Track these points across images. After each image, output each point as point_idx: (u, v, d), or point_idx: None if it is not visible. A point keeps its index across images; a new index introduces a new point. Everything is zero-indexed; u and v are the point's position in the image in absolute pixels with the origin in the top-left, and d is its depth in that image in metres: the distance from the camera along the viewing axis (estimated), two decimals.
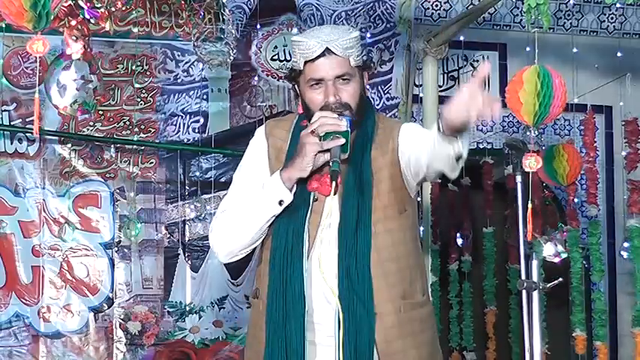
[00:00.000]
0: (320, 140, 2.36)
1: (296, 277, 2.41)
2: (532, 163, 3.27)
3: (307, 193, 2.45)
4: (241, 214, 2.49)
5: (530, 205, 3.11)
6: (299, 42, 2.42)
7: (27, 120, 4.93)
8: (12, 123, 4.98)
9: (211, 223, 2.63)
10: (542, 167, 3.89)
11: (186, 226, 5.20)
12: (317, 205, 2.44)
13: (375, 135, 2.52)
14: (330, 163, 2.35)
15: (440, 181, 4.69)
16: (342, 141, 2.34)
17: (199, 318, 5.10)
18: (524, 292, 3.01)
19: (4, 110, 5.00)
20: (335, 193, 2.33)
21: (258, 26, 5.27)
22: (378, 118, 2.58)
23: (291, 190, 2.42)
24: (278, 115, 5.20)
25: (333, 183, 2.33)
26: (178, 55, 5.20)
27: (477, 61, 5.62)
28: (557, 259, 4.41)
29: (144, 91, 5.16)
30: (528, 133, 4.62)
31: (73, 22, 4.17)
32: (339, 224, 2.41)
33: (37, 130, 3.08)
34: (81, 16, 4.12)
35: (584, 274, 4.76)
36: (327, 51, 2.39)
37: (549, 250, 4.26)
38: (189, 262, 5.15)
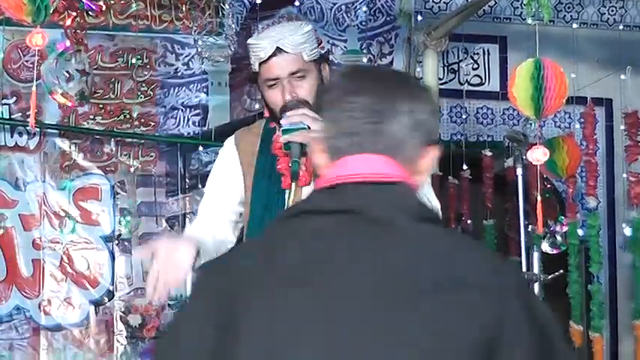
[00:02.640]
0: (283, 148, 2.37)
1: None
2: (539, 155, 3.26)
3: (282, 192, 2.46)
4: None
5: (539, 198, 3.11)
6: (252, 44, 2.44)
7: (27, 113, 4.89)
8: (12, 116, 4.99)
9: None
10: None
11: (187, 220, 5.20)
12: (292, 203, 2.45)
13: None
14: (290, 163, 2.36)
15: (440, 173, 4.70)
16: (302, 135, 2.32)
17: None
18: None
19: (4, 104, 5.00)
20: (290, 188, 2.38)
21: (258, 19, 5.27)
22: None
23: None
24: None
25: (293, 184, 2.35)
26: (178, 49, 5.20)
27: (477, 54, 5.62)
28: (555, 251, 4.43)
29: (144, 84, 5.16)
30: (528, 126, 4.64)
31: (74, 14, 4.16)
32: None
33: (32, 124, 3.08)
34: (80, 8, 4.12)
35: (583, 266, 4.77)
36: (278, 50, 2.39)
37: (546, 247, 4.28)
38: None
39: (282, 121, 2.38)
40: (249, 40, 2.47)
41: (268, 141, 2.51)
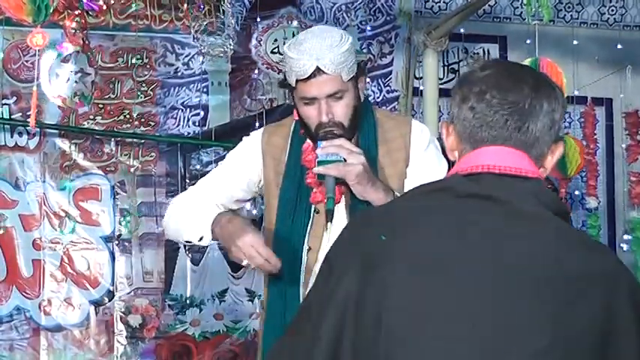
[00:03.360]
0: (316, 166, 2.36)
1: (294, 292, 2.42)
2: None
3: (309, 205, 2.43)
4: (183, 219, 2.54)
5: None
6: (290, 58, 2.35)
7: (27, 113, 4.89)
8: (12, 116, 4.98)
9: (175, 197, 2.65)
10: None
11: None
12: (318, 217, 2.42)
13: (379, 132, 2.49)
14: (325, 199, 2.34)
15: None
16: (336, 168, 2.32)
17: (200, 311, 5.11)
18: None
19: (4, 104, 5.00)
20: (329, 225, 2.35)
21: (258, 19, 5.27)
22: (378, 117, 2.53)
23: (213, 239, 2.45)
24: (278, 109, 5.21)
25: (328, 223, 2.34)
26: (178, 49, 5.20)
27: (477, 53, 5.62)
28: None
29: (144, 84, 5.16)
30: None
31: (75, 14, 4.16)
32: None
33: (33, 124, 3.08)
34: (80, 8, 4.11)
35: None
36: (318, 71, 2.33)
37: None
38: (190, 255, 5.15)
39: (317, 151, 2.34)
40: (287, 52, 2.36)
41: (297, 147, 2.47)
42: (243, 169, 2.57)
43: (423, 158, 2.49)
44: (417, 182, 2.37)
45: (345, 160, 2.31)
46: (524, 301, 1.37)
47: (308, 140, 2.45)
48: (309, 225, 2.43)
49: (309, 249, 2.42)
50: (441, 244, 1.41)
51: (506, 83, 1.47)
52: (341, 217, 2.39)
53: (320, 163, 2.32)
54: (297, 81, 2.37)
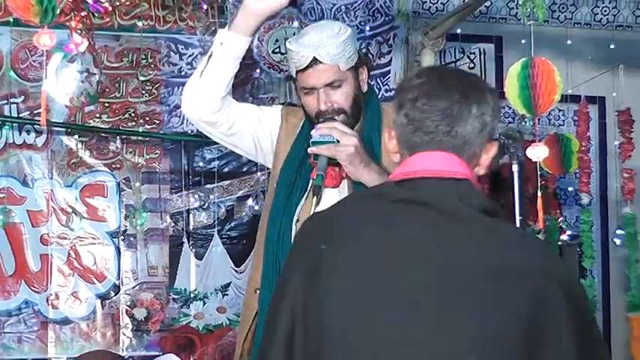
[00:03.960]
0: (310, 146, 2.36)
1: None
2: (540, 152, 3.28)
3: (305, 183, 2.45)
4: (206, 71, 2.52)
5: (539, 194, 3.12)
6: (290, 50, 2.40)
7: (35, 112, 4.92)
8: (20, 115, 4.98)
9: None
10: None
11: (191, 215, 5.21)
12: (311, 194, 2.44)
13: (384, 120, 2.51)
14: (314, 177, 2.35)
15: None
16: (328, 148, 2.33)
17: (203, 304, 5.11)
18: None
19: (13, 103, 5.00)
20: (317, 204, 2.34)
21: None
22: (384, 107, 2.55)
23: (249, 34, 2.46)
24: None
25: (314, 198, 2.32)
26: (182, 49, 5.20)
27: (474, 53, 5.62)
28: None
29: (148, 83, 5.16)
30: (523, 124, 4.64)
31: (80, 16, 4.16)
32: None
33: (44, 122, 3.08)
34: (86, 10, 4.11)
35: (577, 261, 4.76)
36: (315, 61, 2.36)
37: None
38: (194, 250, 5.16)
39: (312, 132, 2.37)
40: (288, 45, 2.41)
41: (307, 130, 2.49)
42: (266, 123, 2.59)
43: None
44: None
45: (339, 142, 2.32)
46: (453, 300, 1.41)
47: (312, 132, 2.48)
48: (303, 200, 2.46)
49: (297, 220, 2.45)
50: (376, 250, 1.47)
51: (437, 91, 1.52)
52: (333, 197, 2.39)
53: (314, 143, 2.35)
54: (297, 72, 2.41)
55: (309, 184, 2.44)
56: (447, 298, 1.42)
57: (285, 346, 1.48)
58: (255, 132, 2.58)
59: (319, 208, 2.35)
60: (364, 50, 5.37)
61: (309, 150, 2.36)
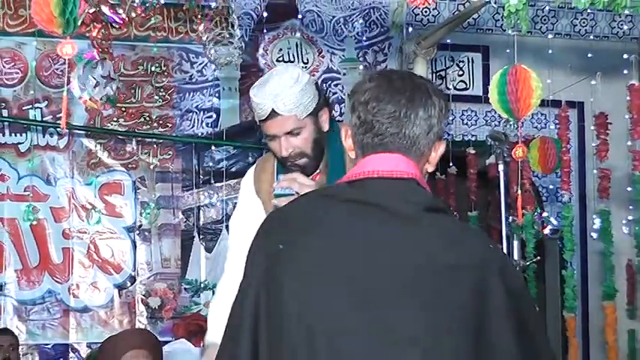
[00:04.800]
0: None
1: None
2: (520, 153, 3.30)
3: None
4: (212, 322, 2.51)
5: (519, 192, 3.12)
6: (252, 99, 2.34)
7: (57, 116, 4.92)
8: (44, 119, 4.99)
9: (212, 300, 2.62)
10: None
11: (201, 211, 5.21)
12: None
13: (347, 156, 2.45)
14: None
15: (430, 171, 4.70)
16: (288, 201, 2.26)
17: (213, 294, 5.10)
18: None
19: (37, 107, 5.00)
20: None
21: (265, 31, 5.27)
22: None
23: None
24: None
25: None
26: (193, 57, 5.20)
27: (463, 61, 5.62)
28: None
29: (162, 89, 5.16)
30: (508, 126, 4.64)
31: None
32: None
33: (64, 125, 3.08)
34: (104, 21, 4.11)
35: (558, 253, 4.76)
36: (274, 112, 2.29)
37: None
38: (204, 243, 5.16)
39: (274, 185, 2.33)
40: (251, 94, 2.34)
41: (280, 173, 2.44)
42: (251, 222, 2.43)
43: None
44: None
45: (298, 193, 2.25)
46: (398, 294, 1.40)
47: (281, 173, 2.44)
48: None
49: None
50: (326, 247, 1.45)
51: (385, 95, 1.50)
52: None
53: (275, 196, 2.30)
54: (259, 121, 2.37)
55: None
56: (392, 293, 1.39)
57: (250, 340, 1.45)
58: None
59: None
60: (361, 58, 5.38)
61: (272, 202, 2.30)
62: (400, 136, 1.49)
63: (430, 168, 1.55)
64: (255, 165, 2.61)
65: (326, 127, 2.43)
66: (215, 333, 2.35)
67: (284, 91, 2.30)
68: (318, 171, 2.42)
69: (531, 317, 1.47)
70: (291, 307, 1.42)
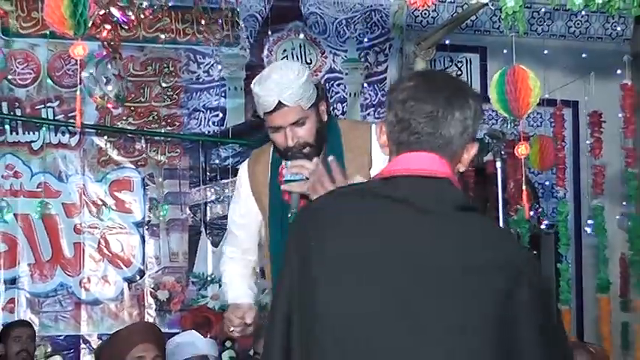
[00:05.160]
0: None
1: None
2: (523, 150, 3.30)
3: (288, 213, 2.43)
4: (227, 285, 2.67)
5: (524, 187, 3.12)
6: (257, 94, 2.35)
7: (69, 115, 4.93)
8: (56, 118, 4.99)
9: (220, 263, 2.73)
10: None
11: (208, 207, 5.21)
12: None
13: (344, 144, 2.48)
14: (289, 214, 2.34)
15: None
16: (299, 186, 2.33)
17: (219, 287, 5.10)
18: None
19: (49, 107, 5.00)
20: None
21: (270, 32, 5.26)
22: (342, 129, 2.52)
23: None
24: None
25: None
26: (200, 58, 5.19)
27: (461, 62, 5.61)
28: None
29: (170, 89, 5.16)
30: (505, 125, 4.63)
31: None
32: None
33: (79, 124, 3.09)
34: (114, 22, 4.11)
35: (553, 247, 4.75)
36: (280, 104, 2.32)
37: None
38: (210, 238, 5.16)
39: (283, 171, 2.36)
40: (255, 90, 2.35)
41: (276, 170, 2.47)
42: (246, 208, 2.59)
43: (382, 156, 2.51)
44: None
45: (307, 178, 2.30)
46: (429, 292, 1.39)
47: (283, 162, 2.45)
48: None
49: None
50: (359, 244, 1.44)
51: (424, 95, 1.49)
52: None
53: (286, 181, 2.33)
54: (264, 113, 2.37)
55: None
56: (423, 290, 1.38)
57: (283, 335, 1.45)
58: (257, 225, 2.60)
59: None
60: (362, 59, 5.37)
61: (282, 187, 2.35)
62: (436, 136, 1.48)
63: (462, 168, 1.54)
64: (247, 160, 2.63)
65: (325, 117, 2.45)
66: (232, 295, 2.63)
67: (289, 84, 2.32)
68: (319, 158, 2.41)
69: (554, 315, 1.47)
70: (324, 302, 1.40)
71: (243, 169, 2.60)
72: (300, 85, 2.33)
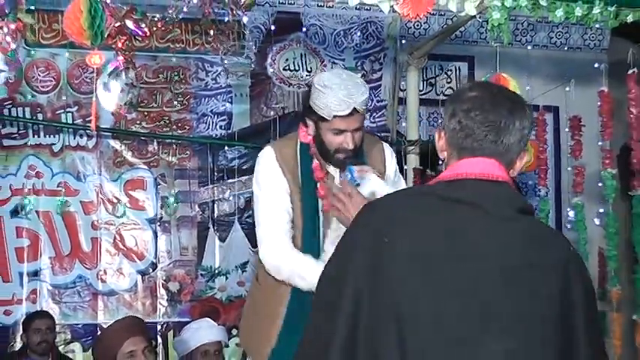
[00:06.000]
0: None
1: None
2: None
3: (318, 208, 2.45)
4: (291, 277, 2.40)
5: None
6: (332, 97, 2.30)
7: (86, 119, 4.93)
8: (75, 122, 4.99)
9: (262, 249, 2.45)
10: None
11: (215, 205, 5.21)
12: (326, 216, 2.46)
13: (365, 149, 2.50)
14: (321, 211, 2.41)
15: (421, 167, 4.70)
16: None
17: (226, 279, 5.12)
18: None
19: (68, 111, 5.01)
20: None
21: (272, 43, 5.27)
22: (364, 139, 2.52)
23: None
24: (289, 116, 5.21)
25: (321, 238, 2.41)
26: (208, 67, 5.20)
27: (451, 70, 5.61)
28: None
29: (180, 95, 5.16)
30: None
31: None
32: None
33: (94, 127, 3.09)
34: (128, 33, 4.11)
35: None
36: (354, 110, 2.32)
37: None
38: (218, 233, 5.16)
39: (355, 174, 2.32)
40: (328, 95, 2.29)
41: (307, 164, 2.45)
42: (279, 193, 2.46)
43: (392, 171, 2.55)
44: (388, 188, 2.36)
45: (360, 185, 2.31)
46: (496, 288, 1.40)
47: (315, 159, 2.45)
48: (320, 221, 2.46)
49: (322, 236, 2.46)
50: (431, 243, 1.43)
51: (488, 105, 1.50)
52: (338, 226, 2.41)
53: (355, 185, 2.30)
54: (333, 116, 2.33)
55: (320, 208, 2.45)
56: (490, 286, 1.39)
57: (348, 330, 1.39)
58: (288, 200, 2.47)
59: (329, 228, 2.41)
60: (359, 67, 5.37)
61: (347, 191, 2.23)
62: (498, 144, 1.49)
63: (514, 173, 1.55)
64: (270, 146, 2.53)
65: None
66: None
67: (363, 94, 2.33)
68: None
69: (596, 309, 1.50)
70: (398, 294, 1.39)
71: (268, 154, 2.48)
72: (366, 94, 2.35)
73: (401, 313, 1.38)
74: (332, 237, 2.43)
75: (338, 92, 2.32)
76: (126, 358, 2.85)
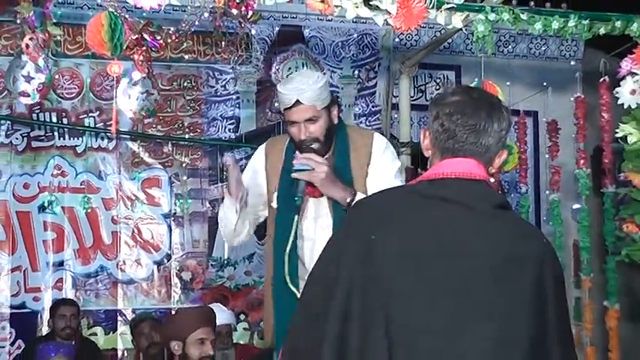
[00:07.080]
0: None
1: (285, 248, 2.43)
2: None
3: (295, 196, 2.44)
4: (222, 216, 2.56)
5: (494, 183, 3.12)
6: (280, 92, 2.39)
7: (107, 124, 4.93)
8: (97, 126, 4.99)
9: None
10: None
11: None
12: (303, 204, 2.46)
13: (350, 144, 2.50)
14: (296, 198, 2.37)
15: (412, 167, 4.71)
16: (306, 175, 2.35)
17: (234, 269, 5.12)
18: None
19: (91, 116, 5.01)
20: (297, 214, 2.41)
21: (277, 53, 5.27)
22: (349, 133, 2.54)
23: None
24: None
25: (296, 216, 2.37)
26: (218, 75, 5.20)
27: (439, 78, 5.61)
28: None
29: (192, 101, 5.16)
30: None
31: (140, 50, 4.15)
32: (332, 217, 2.43)
33: (114, 131, 3.10)
34: (145, 45, 4.11)
35: None
36: (298, 102, 2.36)
37: None
38: None
39: (294, 161, 2.38)
40: (279, 89, 2.39)
41: (290, 155, 2.49)
42: (255, 174, 2.61)
43: (380, 159, 2.53)
44: (375, 177, 2.39)
45: (313, 169, 2.33)
46: (479, 278, 1.39)
47: (296, 153, 2.47)
48: (299, 210, 2.46)
49: (297, 227, 2.47)
50: (416, 238, 1.43)
51: (469, 109, 1.49)
52: (316, 205, 2.44)
53: (295, 170, 2.36)
54: (284, 109, 2.41)
55: (298, 198, 2.46)
56: (473, 277, 1.38)
57: (339, 328, 1.38)
58: (258, 195, 2.57)
59: (304, 219, 2.41)
60: (356, 75, 5.37)
61: (292, 175, 2.37)
62: (477, 145, 1.49)
63: (492, 170, 1.55)
64: (265, 144, 2.64)
65: (335, 120, 2.48)
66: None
67: (307, 87, 2.35)
68: (328, 154, 2.45)
69: (564, 296, 1.49)
70: (388, 292, 1.37)
71: (261, 148, 2.63)
72: (315, 89, 2.36)
73: (391, 310, 1.36)
74: (308, 223, 2.45)
75: (285, 85, 2.39)
76: (196, 343, 2.85)
